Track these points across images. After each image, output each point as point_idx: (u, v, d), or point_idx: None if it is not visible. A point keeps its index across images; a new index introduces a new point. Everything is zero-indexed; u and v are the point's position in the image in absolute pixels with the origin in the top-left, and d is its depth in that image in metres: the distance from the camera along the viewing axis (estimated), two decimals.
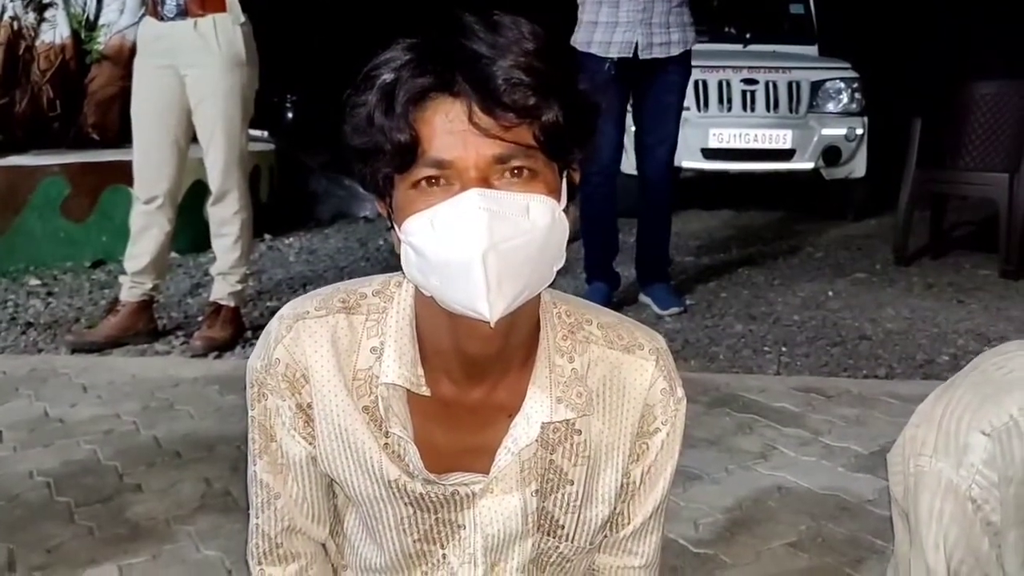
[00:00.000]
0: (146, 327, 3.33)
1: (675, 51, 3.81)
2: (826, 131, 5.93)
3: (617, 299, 3.98)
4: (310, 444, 1.05)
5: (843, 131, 5.95)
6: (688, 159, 5.75)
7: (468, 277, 0.88)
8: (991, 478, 1.07)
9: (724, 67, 5.95)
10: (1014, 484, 1.07)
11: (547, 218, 0.91)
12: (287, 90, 9.76)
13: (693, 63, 5.99)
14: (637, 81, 3.84)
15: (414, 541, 1.08)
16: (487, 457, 1.03)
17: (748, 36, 6.52)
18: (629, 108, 4.04)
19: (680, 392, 1.11)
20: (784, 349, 3.44)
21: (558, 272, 0.96)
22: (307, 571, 1.13)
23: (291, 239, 5.20)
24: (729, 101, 5.92)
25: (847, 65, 6.15)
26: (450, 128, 0.89)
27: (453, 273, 0.90)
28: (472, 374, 1.02)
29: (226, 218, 3.28)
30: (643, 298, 4.01)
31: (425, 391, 1.01)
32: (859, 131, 5.97)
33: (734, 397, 2.87)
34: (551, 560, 1.11)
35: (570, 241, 0.96)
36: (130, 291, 3.29)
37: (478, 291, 0.88)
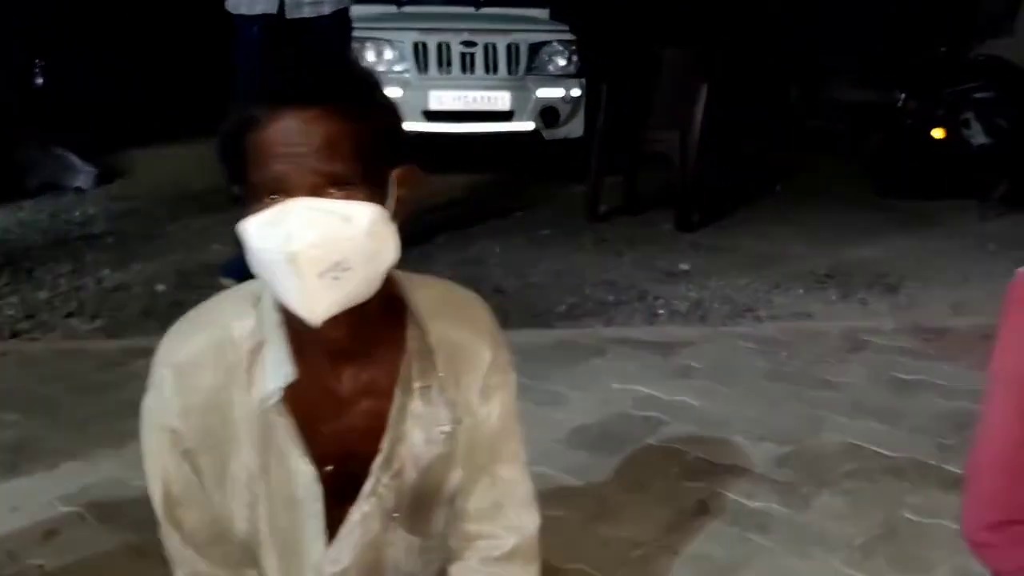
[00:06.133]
0: None
1: (326, 10, 3.82)
2: (543, 93, 6.10)
3: None
4: None
5: (560, 93, 6.14)
6: (410, 121, 5.82)
7: None
8: (179, 407, 1.16)
9: (444, 29, 6.03)
10: (197, 413, 1.16)
11: None
12: (37, 54, 9.22)
13: (413, 25, 6.12)
14: (294, 43, 3.84)
15: None
16: None
17: None
18: None
19: None
20: None
21: None
22: None
23: None
24: (449, 63, 6.01)
25: (566, 28, 6.33)
26: None
27: None
28: None
29: None
30: None
31: None
32: (576, 93, 6.18)
33: None
34: None
35: None
36: None
37: None
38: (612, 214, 5.32)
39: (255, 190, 1.05)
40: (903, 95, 6.10)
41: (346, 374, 1.18)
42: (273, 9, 3.67)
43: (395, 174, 1.12)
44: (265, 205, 1.04)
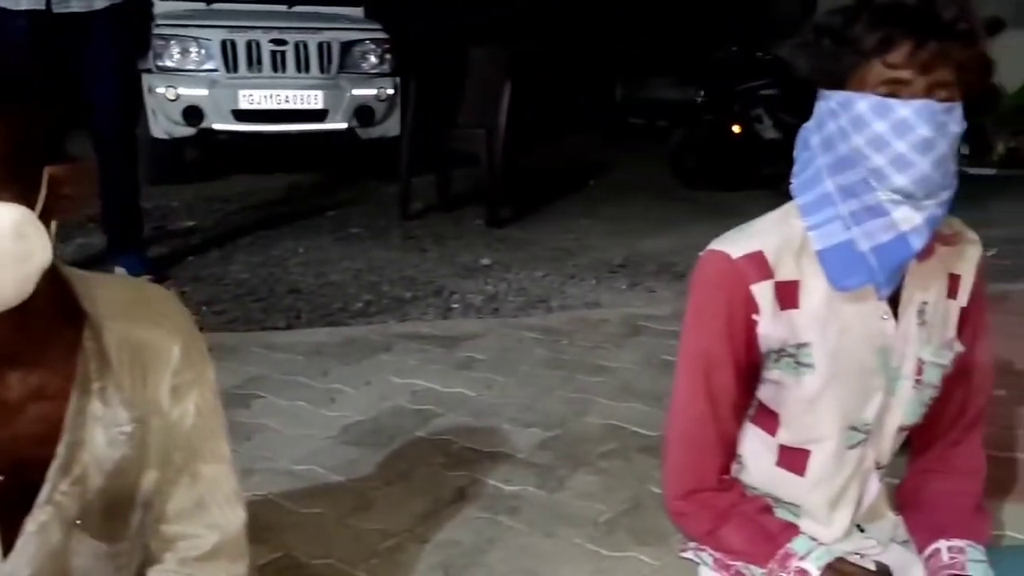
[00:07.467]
0: None
1: (99, 5, 3.67)
2: (357, 91, 6.09)
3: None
4: None
5: (374, 92, 6.14)
6: (219, 121, 5.71)
7: None
8: None
9: (253, 27, 5.92)
10: None
11: None
12: None
13: (221, 23, 5.97)
14: (70, 38, 3.67)
15: None
16: None
17: None
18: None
19: None
20: (204, 308, 3.49)
21: None
22: None
23: None
24: (259, 62, 5.90)
25: (379, 27, 6.33)
26: None
27: None
28: None
29: None
30: (118, 269, 3.88)
31: None
32: (390, 91, 6.19)
33: None
34: None
35: None
36: None
37: None
38: (426, 212, 5.37)
39: None
40: (702, 92, 6.44)
41: (12, 379, 1.14)
42: (40, 5, 3.51)
43: (51, 173, 1.10)
44: None
